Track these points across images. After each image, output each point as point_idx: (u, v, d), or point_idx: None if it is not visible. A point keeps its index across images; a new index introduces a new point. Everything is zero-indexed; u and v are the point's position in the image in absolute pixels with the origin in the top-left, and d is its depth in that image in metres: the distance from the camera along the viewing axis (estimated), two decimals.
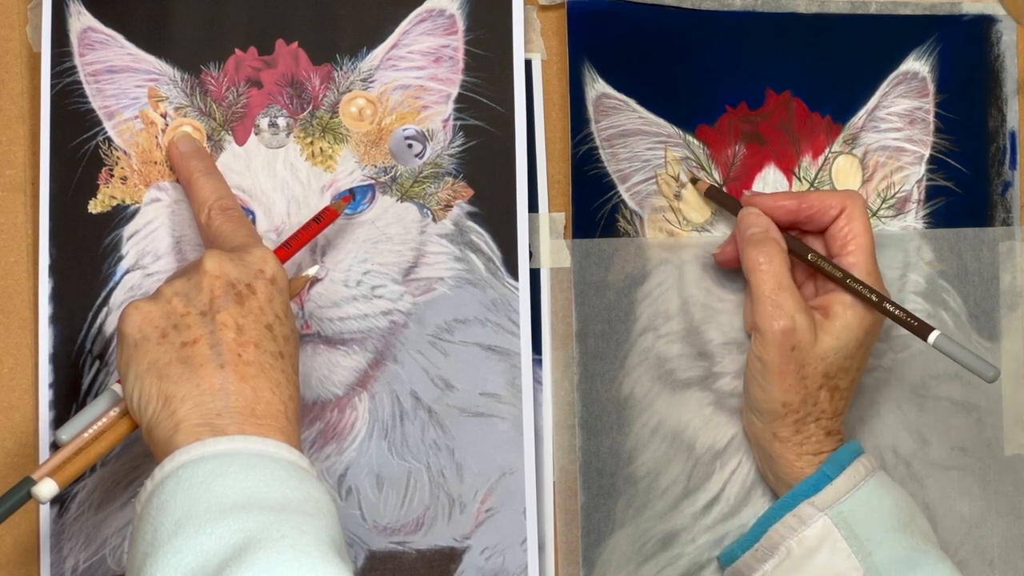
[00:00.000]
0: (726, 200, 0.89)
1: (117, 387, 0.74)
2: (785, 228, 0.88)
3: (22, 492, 0.71)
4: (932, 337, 0.83)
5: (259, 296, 0.73)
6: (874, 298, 0.84)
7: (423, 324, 0.86)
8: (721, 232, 0.91)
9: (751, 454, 0.90)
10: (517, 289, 0.87)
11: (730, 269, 0.90)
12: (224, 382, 0.70)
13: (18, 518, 0.81)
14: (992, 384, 0.95)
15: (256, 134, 0.85)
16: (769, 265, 0.84)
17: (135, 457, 0.82)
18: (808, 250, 0.87)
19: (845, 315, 0.85)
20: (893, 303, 0.84)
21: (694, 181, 0.90)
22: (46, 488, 0.71)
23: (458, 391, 0.86)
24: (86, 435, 0.73)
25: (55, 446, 0.76)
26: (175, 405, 0.69)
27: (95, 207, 0.83)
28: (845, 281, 0.85)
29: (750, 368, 0.87)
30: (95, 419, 0.74)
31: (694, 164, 0.91)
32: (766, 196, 0.88)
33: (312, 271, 0.83)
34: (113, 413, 0.74)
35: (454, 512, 0.86)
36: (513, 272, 0.87)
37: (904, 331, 0.85)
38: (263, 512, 0.65)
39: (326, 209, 0.82)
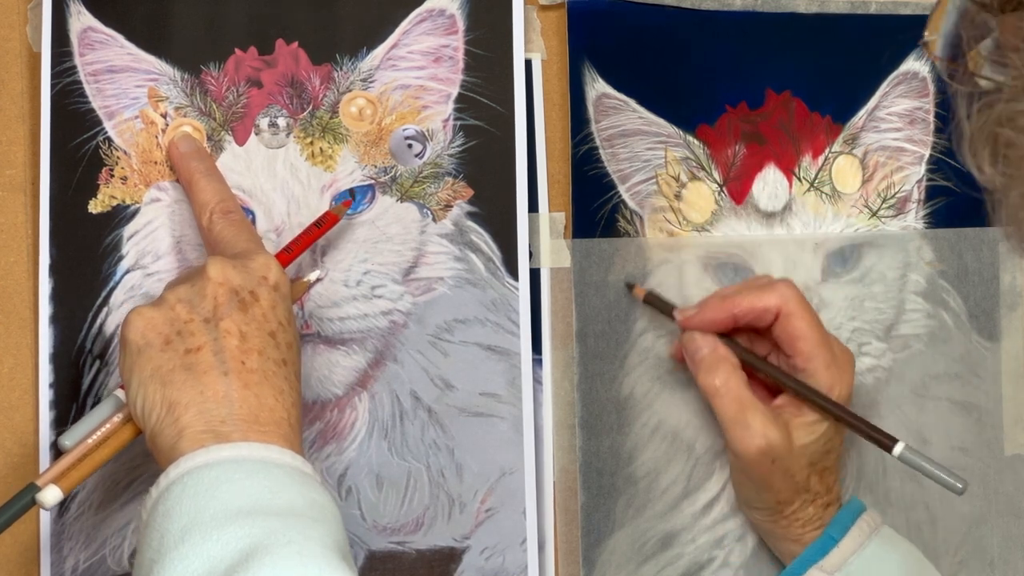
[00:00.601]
0: (665, 306, 0.87)
1: (120, 392, 0.74)
2: (729, 333, 0.86)
3: (26, 498, 0.72)
4: (897, 449, 0.82)
5: (262, 303, 0.73)
6: (833, 409, 0.83)
7: (423, 324, 0.86)
8: (721, 233, 0.91)
9: None
10: (517, 289, 0.87)
11: (730, 273, 0.90)
12: (228, 389, 0.70)
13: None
14: (992, 384, 0.95)
15: (256, 134, 0.85)
16: (727, 388, 0.82)
17: (135, 457, 0.82)
18: (761, 363, 0.85)
19: (817, 409, 0.84)
20: (853, 415, 0.83)
21: (630, 287, 0.88)
22: (50, 494, 0.71)
23: (458, 391, 0.86)
24: (90, 441, 0.73)
25: (58, 451, 0.76)
26: (179, 412, 0.69)
27: (95, 207, 0.83)
28: (801, 394, 0.83)
29: (734, 478, 0.87)
30: (98, 425, 0.74)
31: (694, 164, 0.91)
32: (697, 315, 0.85)
33: (313, 276, 0.83)
34: (116, 419, 0.74)
35: (454, 512, 0.86)
36: (513, 272, 0.87)
37: (904, 331, 0.85)
38: (269, 518, 0.65)
39: (326, 214, 0.82)
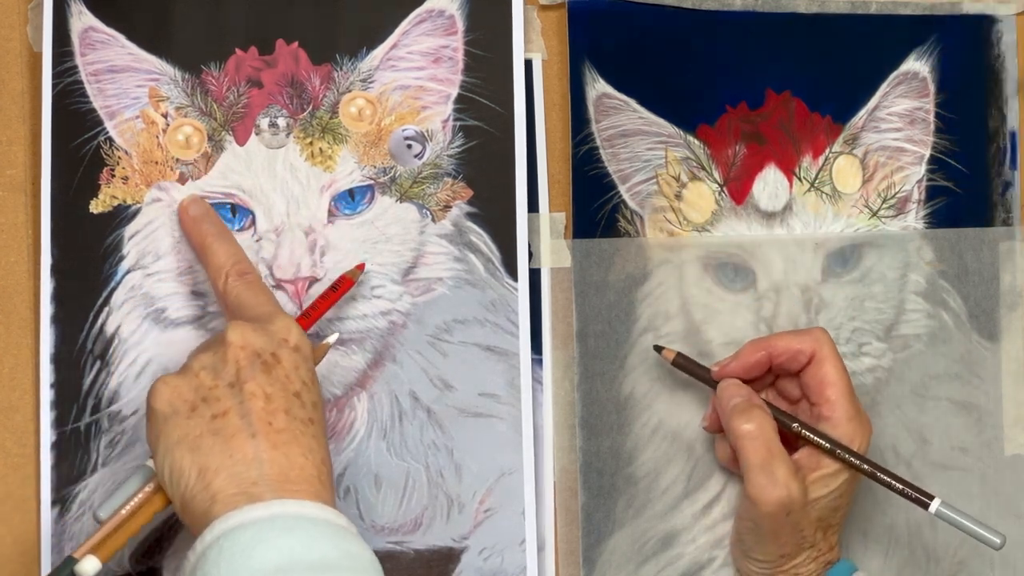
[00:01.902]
0: (696, 368, 0.87)
1: (151, 462, 0.74)
2: (761, 378, 0.87)
3: (66, 572, 0.72)
4: (933, 506, 0.82)
5: (285, 365, 0.74)
6: (866, 467, 0.83)
7: (422, 324, 0.86)
8: (721, 233, 0.91)
9: None
10: (516, 289, 0.87)
11: (730, 273, 0.90)
12: (257, 451, 0.70)
13: (18, 518, 0.81)
14: (992, 384, 0.95)
15: (256, 134, 0.85)
16: (760, 431, 0.82)
17: (137, 457, 0.83)
18: (793, 420, 0.85)
19: (834, 464, 0.84)
20: (887, 472, 0.84)
21: (659, 350, 0.88)
22: (89, 565, 0.71)
23: (457, 391, 0.86)
24: (123, 512, 0.74)
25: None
26: (210, 477, 0.69)
27: (96, 207, 0.83)
28: (835, 452, 0.83)
29: (741, 526, 0.86)
30: (131, 496, 0.74)
31: (694, 164, 0.91)
32: (733, 361, 0.86)
33: (332, 339, 0.83)
34: (148, 488, 0.74)
35: (452, 512, 0.86)
36: (512, 272, 0.87)
37: (904, 331, 0.85)
38: (304, 573, 0.65)
39: (342, 277, 0.83)
